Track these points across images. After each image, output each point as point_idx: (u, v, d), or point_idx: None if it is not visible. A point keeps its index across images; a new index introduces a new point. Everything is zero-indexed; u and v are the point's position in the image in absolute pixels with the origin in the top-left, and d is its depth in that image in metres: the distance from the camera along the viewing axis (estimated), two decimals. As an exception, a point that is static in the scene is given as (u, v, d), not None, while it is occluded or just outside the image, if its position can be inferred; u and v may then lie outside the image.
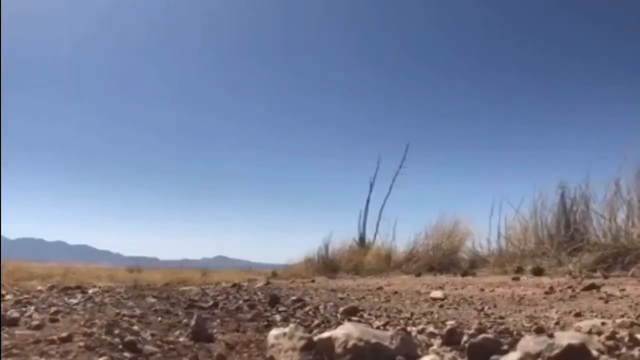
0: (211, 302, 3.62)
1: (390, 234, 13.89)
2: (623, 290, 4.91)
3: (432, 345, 1.84)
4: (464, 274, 9.68)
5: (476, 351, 1.51)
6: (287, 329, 1.50)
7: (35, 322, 2.18)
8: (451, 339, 1.77)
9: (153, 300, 3.74)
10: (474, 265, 10.61)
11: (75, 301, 3.43)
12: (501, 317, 3.27)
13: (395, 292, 5.54)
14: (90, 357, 1.58)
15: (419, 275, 10.61)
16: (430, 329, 2.19)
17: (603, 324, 2.53)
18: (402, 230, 15.71)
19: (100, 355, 1.58)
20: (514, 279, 7.52)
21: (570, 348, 1.33)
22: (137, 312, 2.82)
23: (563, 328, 2.68)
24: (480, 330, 1.93)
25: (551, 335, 1.55)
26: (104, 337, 1.80)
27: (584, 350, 1.37)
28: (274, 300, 3.72)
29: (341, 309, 3.35)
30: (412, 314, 3.40)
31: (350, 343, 1.40)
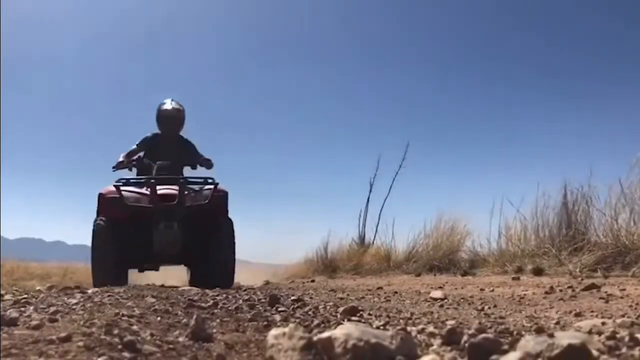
0: (211, 302, 3.62)
1: (389, 234, 13.88)
2: (623, 290, 4.91)
3: (432, 345, 1.83)
4: (464, 274, 9.68)
5: (476, 351, 1.51)
6: (286, 329, 1.50)
7: (34, 322, 2.17)
8: (451, 339, 1.77)
9: (152, 300, 3.74)
10: (474, 265, 10.61)
11: (74, 301, 3.42)
12: (501, 317, 3.27)
13: (395, 292, 5.54)
14: (90, 357, 1.58)
15: (418, 275, 10.61)
16: (430, 328, 2.19)
17: (603, 324, 2.52)
18: (402, 230, 15.68)
19: (100, 355, 1.58)
20: (514, 278, 7.51)
21: (570, 348, 1.33)
22: (137, 312, 2.81)
23: (563, 328, 2.67)
24: (480, 330, 1.93)
25: (551, 335, 1.55)
26: (103, 337, 1.80)
27: (584, 350, 1.36)
28: (274, 300, 3.72)
29: (341, 309, 3.35)
30: (412, 313, 3.40)
31: (350, 343, 1.39)
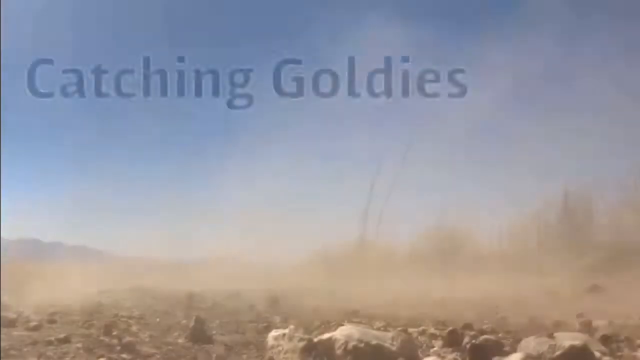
0: (210, 303, 3.61)
1: (390, 234, 13.81)
2: (625, 290, 4.89)
3: (433, 346, 1.83)
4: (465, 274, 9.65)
5: (478, 352, 1.50)
6: (286, 330, 1.49)
7: (33, 324, 2.16)
8: (452, 340, 1.76)
9: (152, 300, 3.73)
10: (476, 265, 10.59)
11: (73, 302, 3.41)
12: (502, 318, 3.26)
13: (396, 293, 5.52)
14: (88, 358, 1.57)
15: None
16: (432, 330, 2.18)
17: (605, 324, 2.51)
18: (402, 230, 15.60)
19: (99, 357, 1.57)
20: (516, 279, 7.48)
21: (572, 349, 1.32)
22: (136, 313, 2.81)
23: (565, 329, 2.66)
24: (482, 331, 1.92)
25: (553, 336, 1.54)
26: (102, 338, 1.79)
27: (586, 351, 1.36)
28: (274, 301, 3.71)
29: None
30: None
31: (351, 344, 1.39)
